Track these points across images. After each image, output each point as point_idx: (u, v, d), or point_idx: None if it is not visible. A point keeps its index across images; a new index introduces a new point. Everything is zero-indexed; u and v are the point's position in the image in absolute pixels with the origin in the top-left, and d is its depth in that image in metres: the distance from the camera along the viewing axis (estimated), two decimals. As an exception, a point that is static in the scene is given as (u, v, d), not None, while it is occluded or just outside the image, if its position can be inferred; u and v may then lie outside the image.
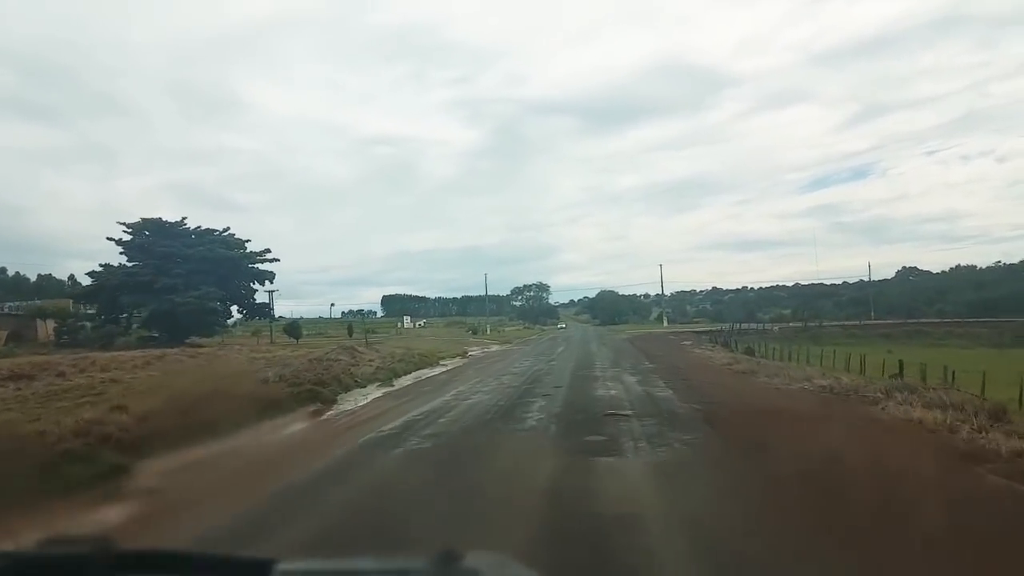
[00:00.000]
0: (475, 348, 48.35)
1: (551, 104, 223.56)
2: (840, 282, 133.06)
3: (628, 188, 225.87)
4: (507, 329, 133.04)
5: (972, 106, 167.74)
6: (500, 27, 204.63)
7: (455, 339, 72.68)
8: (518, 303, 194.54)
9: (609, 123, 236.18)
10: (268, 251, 61.38)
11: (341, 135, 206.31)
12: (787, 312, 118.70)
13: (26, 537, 3.85)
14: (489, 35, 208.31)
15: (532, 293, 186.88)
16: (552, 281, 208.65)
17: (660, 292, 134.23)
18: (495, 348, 49.17)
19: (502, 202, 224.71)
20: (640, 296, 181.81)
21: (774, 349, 39.14)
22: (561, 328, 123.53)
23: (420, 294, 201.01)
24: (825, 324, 73.81)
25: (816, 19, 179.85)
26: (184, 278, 54.17)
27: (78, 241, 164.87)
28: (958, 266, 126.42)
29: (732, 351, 40.34)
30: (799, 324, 76.17)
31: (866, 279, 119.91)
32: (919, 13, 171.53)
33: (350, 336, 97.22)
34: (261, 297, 64.12)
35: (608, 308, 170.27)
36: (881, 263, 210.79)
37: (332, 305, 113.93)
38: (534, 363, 31.07)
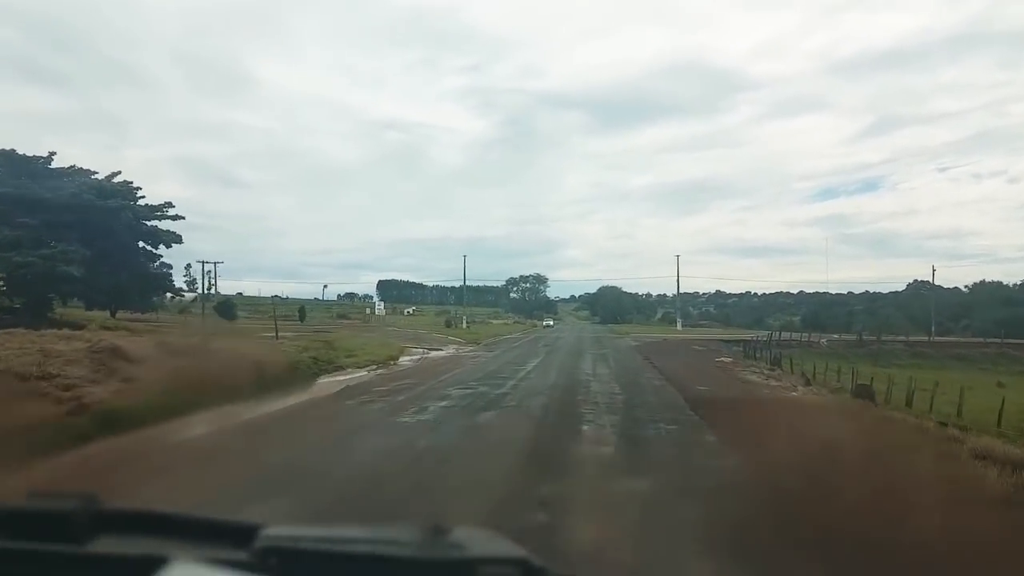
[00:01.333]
0: (416, 351, 32.94)
1: (564, 98, 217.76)
2: (846, 292, 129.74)
3: (636, 187, 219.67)
4: (495, 323, 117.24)
5: (987, 125, 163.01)
6: (517, 16, 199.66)
7: (417, 334, 57.22)
8: (515, 295, 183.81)
9: (621, 120, 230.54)
10: (169, 206, 45.45)
11: (350, 117, 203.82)
12: (795, 319, 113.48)
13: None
14: (505, 24, 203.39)
15: (528, 285, 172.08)
16: (554, 276, 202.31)
17: (676, 291, 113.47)
18: (443, 353, 33.38)
19: (509, 194, 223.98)
20: (642, 295, 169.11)
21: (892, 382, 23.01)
22: (548, 326, 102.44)
23: (419, 281, 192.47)
24: (884, 340, 57.53)
25: (835, 28, 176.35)
26: (33, 230, 38.38)
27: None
28: (983, 281, 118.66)
29: (809, 381, 24.32)
30: (852, 338, 60.33)
31: (872, 290, 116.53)
32: (939, 29, 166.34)
33: (301, 321, 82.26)
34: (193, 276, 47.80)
35: (609, 305, 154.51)
36: (884, 276, 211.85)
37: (325, 287, 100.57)
38: (444, 413, 16.09)
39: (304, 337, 35.25)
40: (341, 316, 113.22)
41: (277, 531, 1.21)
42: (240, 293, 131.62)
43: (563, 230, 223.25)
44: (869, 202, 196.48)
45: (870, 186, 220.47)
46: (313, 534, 1.24)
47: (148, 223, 44.47)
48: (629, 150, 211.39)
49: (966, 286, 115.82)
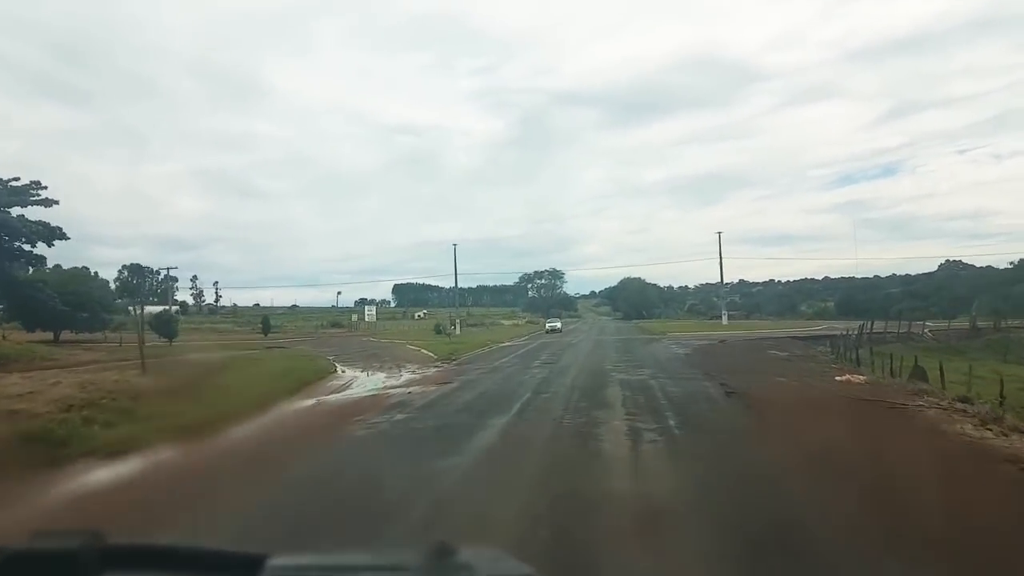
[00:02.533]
0: (332, 382, 20.93)
1: (577, 95, 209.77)
2: (872, 276, 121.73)
3: (653, 181, 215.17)
4: (506, 324, 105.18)
5: (1007, 105, 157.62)
6: (529, 16, 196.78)
7: (390, 344, 45.48)
8: (533, 293, 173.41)
9: (635, 115, 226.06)
10: (38, 186, 33.81)
11: (365, 122, 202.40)
12: (828, 305, 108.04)
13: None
14: (517, 23, 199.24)
15: (544, 281, 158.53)
16: (572, 274, 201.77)
17: (720, 278, 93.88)
18: (366, 389, 20.60)
19: (525, 193, 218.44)
20: (664, 288, 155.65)
21: None
22: (554, 330, 65.91)
23: (436, 283, 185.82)
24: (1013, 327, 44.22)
25: (850, 15, 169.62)
26: None
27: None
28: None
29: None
30: (967, 325, 47.56)
31: (900, 274, 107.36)
32: (956, 12, 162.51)
33: (265, 333, 70.82)
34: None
35: (632, 299, 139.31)
36: (907, 258, 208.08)
37: (339, 293, 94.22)
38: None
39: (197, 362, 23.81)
40: (334, 324, 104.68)
41: (283, 560, 1.20)
42: (257, 304, 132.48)
43: (580, 227, 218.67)
44: (888, 186, 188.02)
45: (889, 171, 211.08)
46: (319, 562, 1.24)
47: (8, 210, 32.95)
48: (644, 144, 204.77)
49: (1011, 263, 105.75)
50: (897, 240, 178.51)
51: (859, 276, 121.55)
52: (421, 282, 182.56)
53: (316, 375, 22.52)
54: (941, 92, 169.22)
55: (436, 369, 25.65)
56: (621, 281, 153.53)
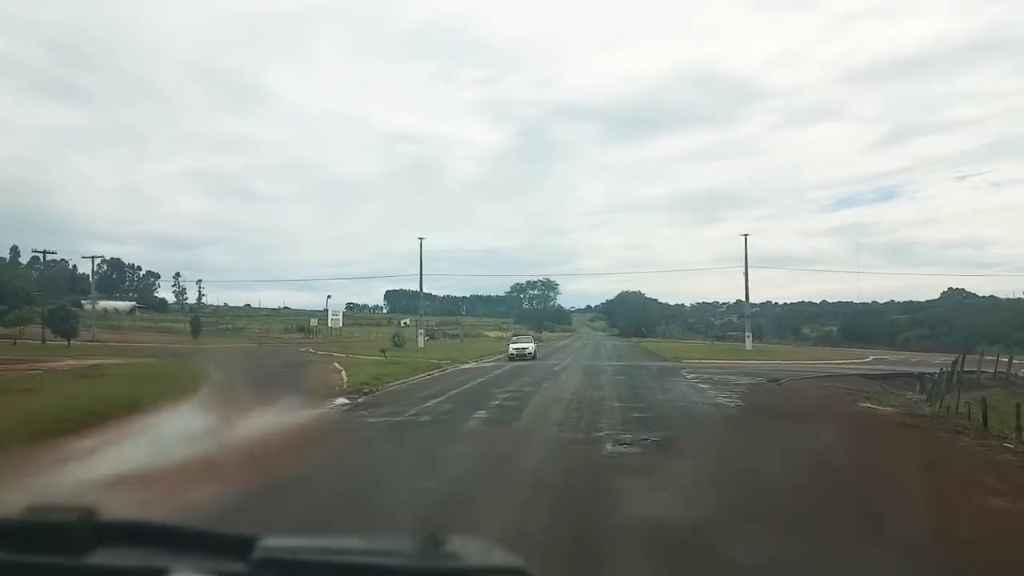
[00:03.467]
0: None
1: (578, 109, 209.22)
2: (870, 301, 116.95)
3: (652, 197, 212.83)
4: (491, 335, 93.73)
5: (1006, 132, 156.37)
6: (531, 28, 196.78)
7: (314, 359, 34.42)
8: (525, 304, 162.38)
9: (635, 131, 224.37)
10: None
11: (367, 130, 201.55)
12: (831, 329, 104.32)
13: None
14: (519, 36, 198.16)
15: (536, 292, 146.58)
16: (569, 287, 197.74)
17: (745, 295, 72.57)
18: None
19: (524, 205, 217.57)
20: (663, 304, 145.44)
21: None
22: (521, 353, 39.74)
23: (428, 291, 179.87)
24: None
25: (850, 37, 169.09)
26: None
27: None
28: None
29: None
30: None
31: (898, 300, 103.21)
32: (955, 36, 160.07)
33: (194, 335, 59.01)
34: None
35: (631, 314, 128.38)
36: (905, 286, 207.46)
37: (328, 297, 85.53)
38: None
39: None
40: (301, 328, 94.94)
41: (274, 542, 1.18)
42: (248, 304, 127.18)
43: (578, 241, 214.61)
44: (887, 211, 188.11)
45: (887, 195, 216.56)
46: (310, 545, 1.21)
47: None
48: (644, 160, 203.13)
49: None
50: (896, 265, 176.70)
51: (857, 301, 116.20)
52: (414, 289, 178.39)
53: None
54: (941, 116, 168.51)
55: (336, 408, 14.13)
56: (619, 295, 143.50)
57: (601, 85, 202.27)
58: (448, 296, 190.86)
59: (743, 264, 64.41)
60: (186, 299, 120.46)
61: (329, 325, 57.20)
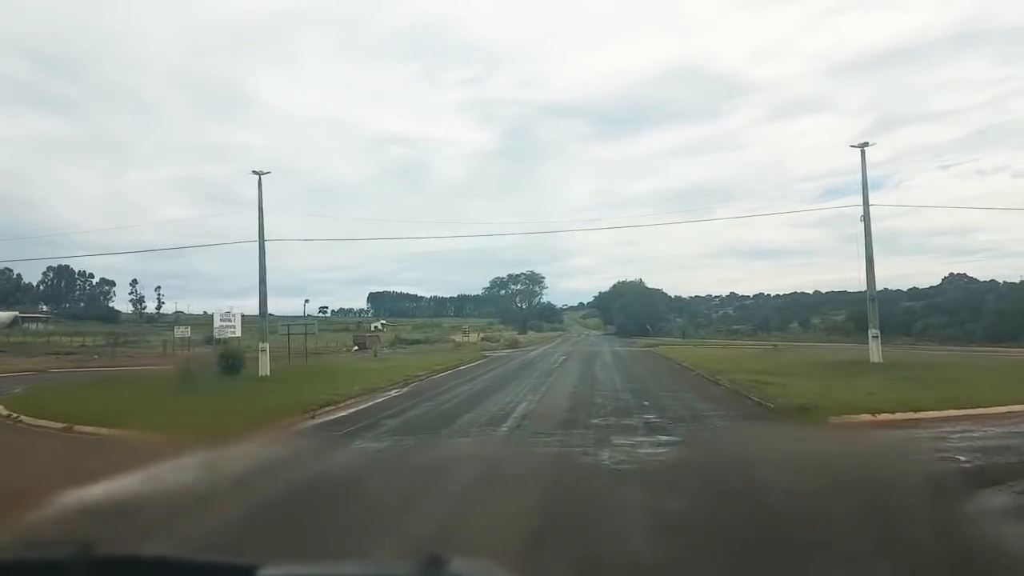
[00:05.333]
0: None
1: (564, 107, 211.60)
2: (863, 290, 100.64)
3: (640, 193, 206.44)
4: (472, 338, 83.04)
5: (989, 121, 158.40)
6: (515, 28, 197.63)
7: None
8: (516, 302, 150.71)
9: (622, 127, 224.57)
10: None
11: (353, 134, 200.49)
12: (840, 320, 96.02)
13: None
14: (504, 36, 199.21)
15: (520, 287, 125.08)
16: (561, 285, 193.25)
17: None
18: None
19: (513, 204, 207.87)
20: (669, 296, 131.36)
21: None
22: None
23: (416, 293, 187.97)
24: None
25: (833, 30, 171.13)
26: None
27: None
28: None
29: None
30: None
31: (891, 288, 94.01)
32: (937, 27, 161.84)
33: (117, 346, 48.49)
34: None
35: (630, 308, 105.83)
36: (893, 275, 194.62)
37: (306, 301, 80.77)
38: None
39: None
40: (208, 340, 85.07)
41: (274, 570, 1.17)
42: (205, 312, 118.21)
43: (568, 238, 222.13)
44: (874, 201, 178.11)
45: (874, 185, 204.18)
46: (310, 572, 1.21)
47: None
48: (631, 157, 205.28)
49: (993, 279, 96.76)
50: (883, 255, 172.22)
51: (851, 290, 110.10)
52: (401, 291, 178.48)
53: None
54: (924, 106, 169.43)
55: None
56: (615, 286, 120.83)
57: (586, 83, 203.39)
58: (435, 296, 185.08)
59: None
60: (143, 308, 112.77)
61: (215, 336, 34.18)
